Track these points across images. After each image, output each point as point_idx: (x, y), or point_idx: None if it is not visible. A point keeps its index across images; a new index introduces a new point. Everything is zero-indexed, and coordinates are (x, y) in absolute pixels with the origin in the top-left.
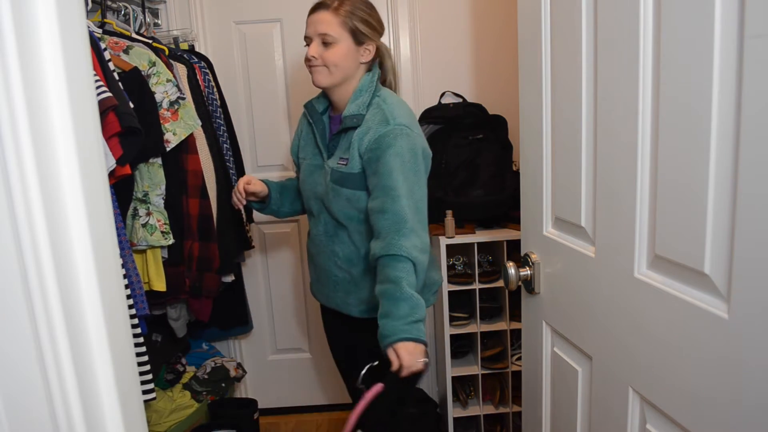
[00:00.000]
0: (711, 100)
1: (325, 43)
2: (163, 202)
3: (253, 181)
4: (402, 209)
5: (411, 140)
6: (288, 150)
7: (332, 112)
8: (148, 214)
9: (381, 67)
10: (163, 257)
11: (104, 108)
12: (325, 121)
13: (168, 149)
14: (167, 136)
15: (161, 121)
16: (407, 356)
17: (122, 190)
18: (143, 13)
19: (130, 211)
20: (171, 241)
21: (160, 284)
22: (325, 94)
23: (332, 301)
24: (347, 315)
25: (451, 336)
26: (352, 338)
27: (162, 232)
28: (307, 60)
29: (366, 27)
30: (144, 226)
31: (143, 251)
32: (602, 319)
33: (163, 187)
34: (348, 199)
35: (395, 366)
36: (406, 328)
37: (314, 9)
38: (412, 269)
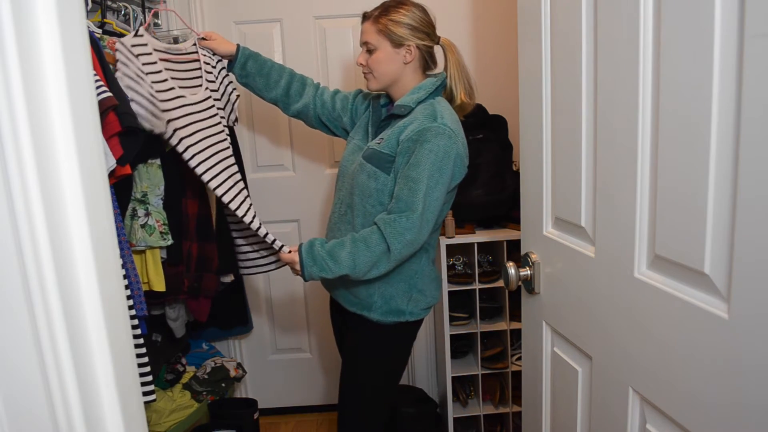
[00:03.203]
0: (711, 99)
1: (369, 51)
2: (161, 202)
3: (214, 36)
4: (415, 202)
5: (450, 142)
6: (290, 150)
7: (391, 105)
8: (147, 214)
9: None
10: (162, 258)
11: (104, 108)
12: (383, 111)
13: (167, 150)
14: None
15: None
16: (289, 259)
17: (122, 191)
18: (143, 13)
19: (128, 212)
20: (170, 242)
21: (159, 285)
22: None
23: (330, 286)
24: (342, 307)
25: (451, 336)
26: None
27: (161, 232)
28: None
29: (401, 28)
30: (143, 226)
31: (142, 252)
32: (602, 319)
33: (162, 187)
34: (369, 174)
35: (286, 254)
36: (316, 261)
37: (362, 20)
38: (383, 256)
